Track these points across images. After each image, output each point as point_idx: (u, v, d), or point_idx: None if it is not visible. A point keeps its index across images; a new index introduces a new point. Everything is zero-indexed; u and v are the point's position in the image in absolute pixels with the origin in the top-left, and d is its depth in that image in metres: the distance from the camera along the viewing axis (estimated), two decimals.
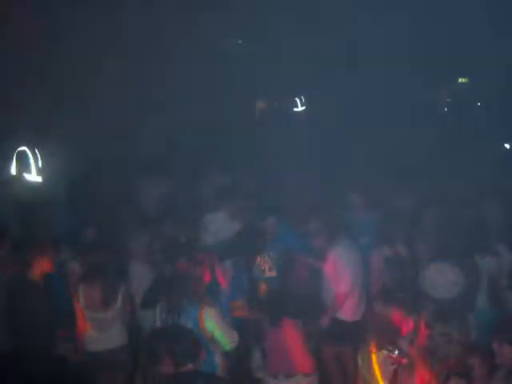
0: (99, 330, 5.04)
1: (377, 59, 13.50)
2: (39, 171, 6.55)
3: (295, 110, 14.51)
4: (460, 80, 18.19)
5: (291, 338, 4.73)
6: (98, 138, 8.64)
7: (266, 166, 8.94)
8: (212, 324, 4.38)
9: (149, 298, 5.07)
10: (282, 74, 12.99)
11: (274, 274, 5.82)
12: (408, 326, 3.77)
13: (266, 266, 5.82)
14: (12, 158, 6.47)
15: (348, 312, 5.57)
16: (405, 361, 3.65)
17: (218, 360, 4.51)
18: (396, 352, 3.70)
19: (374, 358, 3.81)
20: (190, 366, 3.63)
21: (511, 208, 6.22)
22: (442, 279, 4.52)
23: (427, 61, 14.17)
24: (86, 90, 8.36)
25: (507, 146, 11.14)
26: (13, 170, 6.48)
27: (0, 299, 5.03)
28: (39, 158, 6.57)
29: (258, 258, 5.78)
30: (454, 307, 4.11)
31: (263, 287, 5.66)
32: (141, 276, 5.46)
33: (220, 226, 6.15)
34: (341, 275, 5.48)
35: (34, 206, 6.41)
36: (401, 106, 13.88)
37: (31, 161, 6.48)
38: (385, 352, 3.76)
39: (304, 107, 14.51)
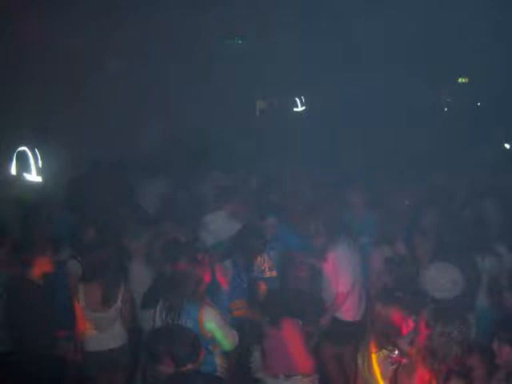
0: (99, 330, 5.03)
1: (377, 59, 13.49)
2: (39, 171, 6.55)
3: (295, 109, 14.50)
4: (460, 80, 18.19)
5: (291, 337, 4.72)
6: (97, 138, 8.64)
7: (265, 166, 8.95)
8: (212, 324, 4.37)
9: (149, 298, 5.07)
10: (282, 74, 12.98)
11: (274, 274, 5.83)
12: (408, 326, 3.77)
13: (266, 266, 5.82)
14: (12, 158, 6.46)
15: (348, 312, 5.57)
16: (405, 361, 3.65)
17: (218, 360, 4.51)
18: (396, 352, 3.70)
19: (373, 357, 3.81)
20: (189, 366, 3.62)
21: (511, 208, 6.22)
22: (442, 279, 4.52)
23: (427, 61, 14.17)
24: (86, 89, 8.36)
25: (507, 145, 11.14)
26: (13, 170, 6.48)
27: (0, 299, 5.03)
28: (39, 158, 6.57)
29: (258, 258, 5.78)
30: (454, 307, 4.11)
31: (263, 287, 5.66)
32: (141, 276, 5.46)
33: (220, 226, 6.15)
34: (341, 275, 5.48)
35: (34, 206, 6.41)
36: (401, 105, 13.88)
37: (31, 161, 6.48)
38: (385, 352, 3.77)
39: (304, 107, 14.51)
